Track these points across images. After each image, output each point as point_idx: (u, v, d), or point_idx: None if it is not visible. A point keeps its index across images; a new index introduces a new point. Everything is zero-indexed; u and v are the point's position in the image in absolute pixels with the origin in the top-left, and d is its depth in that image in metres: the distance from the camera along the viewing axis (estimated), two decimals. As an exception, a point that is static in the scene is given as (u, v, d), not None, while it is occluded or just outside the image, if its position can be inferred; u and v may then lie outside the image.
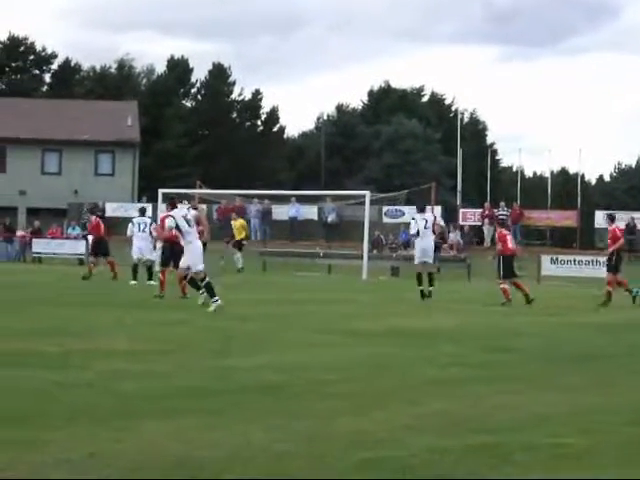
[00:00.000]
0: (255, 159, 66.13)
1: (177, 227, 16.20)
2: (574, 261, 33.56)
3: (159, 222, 19.62)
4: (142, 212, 24.80)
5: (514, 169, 68.08)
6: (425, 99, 76.04)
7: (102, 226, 26.27)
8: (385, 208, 41.90)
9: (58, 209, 45.87)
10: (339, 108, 74.33)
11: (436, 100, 75.90)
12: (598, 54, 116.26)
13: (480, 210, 41.29)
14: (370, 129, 68.24)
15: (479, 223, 40.80)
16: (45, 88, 70.41)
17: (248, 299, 18.80)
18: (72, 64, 71.76)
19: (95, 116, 52.04)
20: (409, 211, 41.36)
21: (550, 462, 5.41)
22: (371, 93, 75.49)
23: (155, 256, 22.34)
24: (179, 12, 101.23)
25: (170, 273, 18.96)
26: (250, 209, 42.14)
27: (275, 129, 72.97)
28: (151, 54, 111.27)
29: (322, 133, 67.64)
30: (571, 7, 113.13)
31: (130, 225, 23.77)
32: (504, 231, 20.90)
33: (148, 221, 23.90)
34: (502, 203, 40.86)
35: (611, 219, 21.34)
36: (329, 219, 41.84)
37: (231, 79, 71.42)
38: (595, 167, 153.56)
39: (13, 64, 69.90)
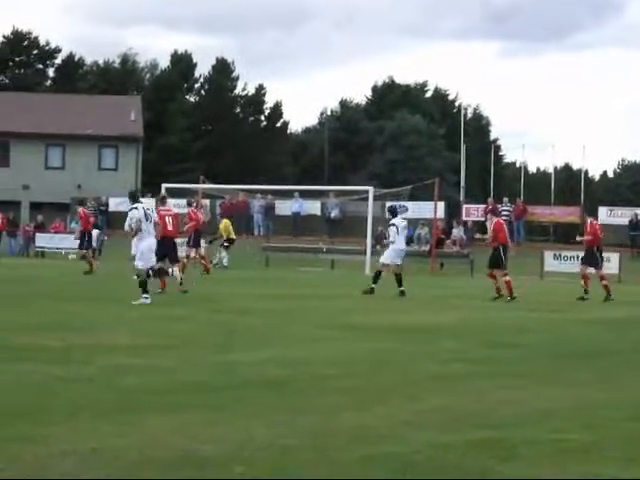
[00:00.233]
0: (258, 154, 66.12)
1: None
2: (577, 257, 33.36)
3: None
4: None
5: (517, 165, 68.33)
6: (429, 94, 75.97)
7: (90, 219, 26.79)
8: (388, 203, 41.77)
9: (61, 203, 45.86)
10: (343, 103, 74.31)
11: (440, 95, 75.84)
12: (602, 50, 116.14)
13: (483, 206, 41.26)
14: (374, 124, 68.19)
15: (482, 219, 40.74)
16: (49, 83, 70.43)
17: (251, 294, 18.81)
18: (76, 59, 71.81)
19: (98, 111, 52.04)
20: (413, 206, 41.46)
21: (554, 457, 5.41)
22: (375, 88, 75.46)
23: None
24: (183, 7, 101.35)
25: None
26: (253, 204, 42.18)
27: (279, 124, 72.94)
28: (155, 49, 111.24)
29: (326, 128, 67.58)
30: (576, 3, 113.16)
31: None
32: (500, 220, 20.86)
33: None
34: (505, 199, 40.82)
35: (588, 213, 21.45)
36: (332, 214, 41.84)
37: (235, 74, 71.45)
38: (599, 163, 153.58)
39: (17, 59, 69.90)
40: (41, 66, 71.32)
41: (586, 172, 55.64)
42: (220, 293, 18.78)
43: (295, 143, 73.69)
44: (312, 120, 77.94)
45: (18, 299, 15.88)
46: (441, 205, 37.94)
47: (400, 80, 75.21)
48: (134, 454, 5.15)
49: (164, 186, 33.08)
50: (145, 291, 15.45)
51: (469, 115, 70.92)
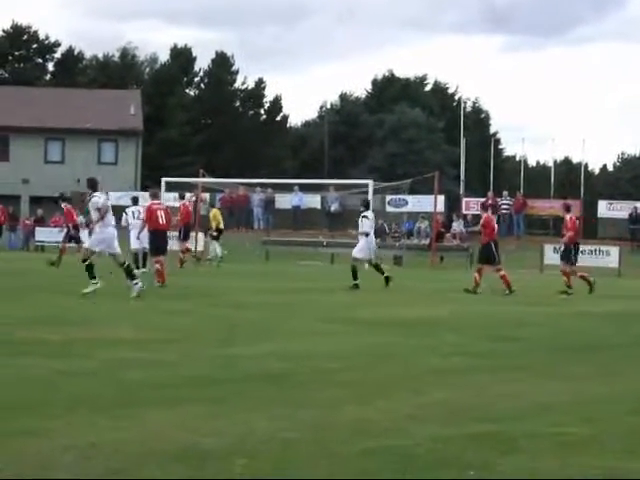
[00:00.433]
0: (258, 148, 66.06)
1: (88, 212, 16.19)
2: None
3: (146, 212, 19.76)
4: (135, 201, 24.42)
5: (517, 158, 68.17)
6: (428, 88, 75.89)
7: (72, 213, 27.15)
8: (388, 197, 41.86)
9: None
10: (343, 97, 74.23)
11: (439, 89, 75.75)
12: (603, 44, 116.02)
13: (483, 199, 41.24)
14: (373, 118, 68.12)
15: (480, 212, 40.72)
16: (48, 77, 70.31)
17: (251, 288, 18.83)
18: (75, 53, 71.68)
19: (98, 105, 52.00)
20: (412, 200, 41.47)
21: (554, 450, 5.42)
22: (375, 82, 75.36)
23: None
24: (183, 1, 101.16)
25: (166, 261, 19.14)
26: (253, 198, 42.16)
27: (278, 118, 72.86)
28: (154, 43, 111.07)
29: (325, 122, 67.53)
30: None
31: (124, 215, 23.42)
32: (491, 215, 20.81)
33: (142, 209, 23.74)
34: (505, 192, 40.83)
35: (566, 209, 21.24)
36: (332, 208, 41.81)
37: (234, 68, 71.35)
38: (598, 157, 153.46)
39: (16, 53, 69.76)
40: (40, 60, 71.19)
41: (586, 166, 55.54)
42: (220, 287, 18.80)
43: (295, 137, 73.60)
44: (312, 114, 78.20)
45: (18, 292, 15.86)
46: (441, 199, 37.91)
47: (400, 74, 75.27)
48: (135, 447, 5.16)
49: (164, 180, 33.09)
50: (93, 277, 15.49)
51: (469, 109, 70.81)
